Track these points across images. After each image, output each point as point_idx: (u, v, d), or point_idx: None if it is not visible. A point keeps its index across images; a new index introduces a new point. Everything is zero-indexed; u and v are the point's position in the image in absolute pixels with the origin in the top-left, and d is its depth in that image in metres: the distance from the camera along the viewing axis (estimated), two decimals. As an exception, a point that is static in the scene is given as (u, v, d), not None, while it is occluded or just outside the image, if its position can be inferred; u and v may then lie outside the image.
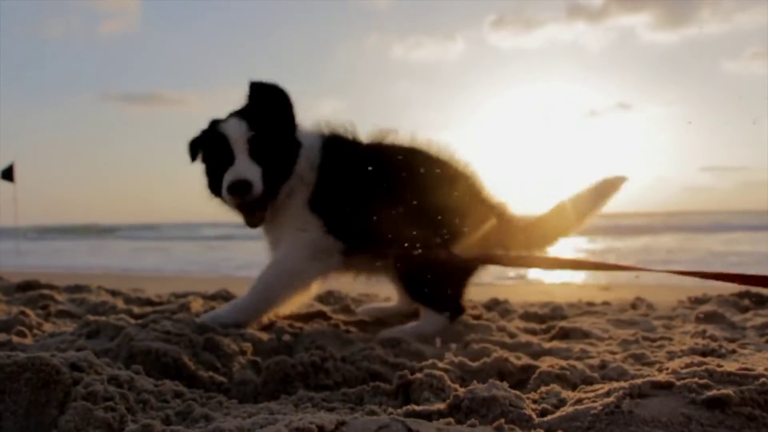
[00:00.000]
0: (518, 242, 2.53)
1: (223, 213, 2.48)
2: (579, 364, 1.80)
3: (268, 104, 2.39)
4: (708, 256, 9.55)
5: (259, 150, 2.29)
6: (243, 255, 12.72)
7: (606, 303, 3.67)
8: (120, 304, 3.12)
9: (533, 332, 2.60)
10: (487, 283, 3.62)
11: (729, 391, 1.27)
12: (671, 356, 1.92)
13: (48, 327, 2.49)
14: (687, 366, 1.56)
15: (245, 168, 2.26)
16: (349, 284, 2.79)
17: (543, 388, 1.54)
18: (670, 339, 2.32)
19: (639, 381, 1.35)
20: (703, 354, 1.90)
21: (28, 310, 2.59)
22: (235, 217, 2.44)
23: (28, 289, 3.56)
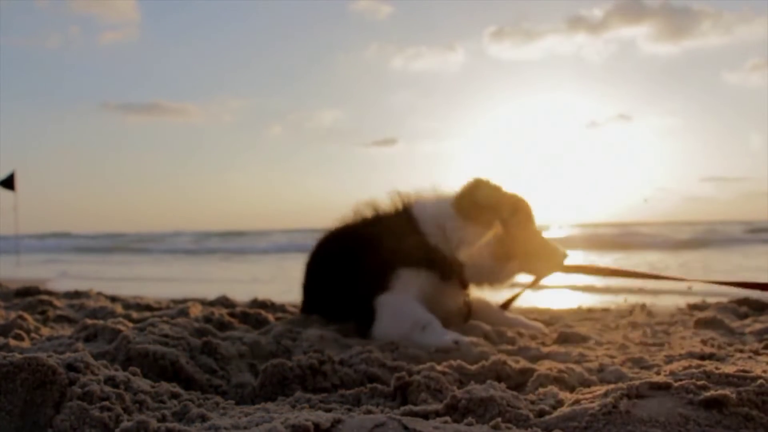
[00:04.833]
0: None
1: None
2: (577, 368, 1.79)
3: None
4: (712, 268, 9.53)
5: None
6: (241, 266, 12.74)
7: (606, 309, 3.67)
8: (119, 309, 3.11)
9: (532, 337, 2.60)
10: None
11: (726, 391, 1.26)
12: (670, 360, 1.91)
13: (46, 331, 2.48)
14: (685, 368, 1.56)
15: None
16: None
17: (541, 390, 1.53)
18: (669, 344, 2.32)
19: (636, 382, 1.35)
20: (702, 358, 1.89)
21: (26, 315, 2.58)
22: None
23: (27, 295, 3.56)
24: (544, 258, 2.80)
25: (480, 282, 2.76)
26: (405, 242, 2.65)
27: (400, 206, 2.86)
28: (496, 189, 2.76)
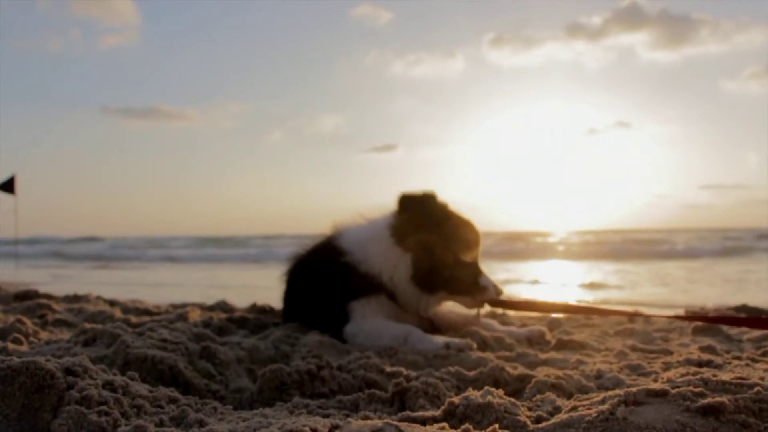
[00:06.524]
0: None
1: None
2: (575, 374, 1.79)
3: None
4: (708, 276, 9.51)
5: None
6: (240, 272, 12.74)
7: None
8: (118, 313, 3.12)
9: (530, 344, 2.60)
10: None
11: (724, 399, 1.26)
12: (667, 367, 1.91)
13: (45, 335, 2.48)
14: (682, 375, 1.56)
15: None
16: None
17: (538, 396, 1.53)
18: (667, 351, 2.32)
19: (634, 389, 1.35)
20: (699, 365, 1.90)
21: (24, 319, 2.58)
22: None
23: (26, 299, 3.55)
24: (471, 294, 2.62)
25: (410, 308, 2.63)
26: (340, 274, 2.61)
27: (329, 236, 2.83)
28: (438, 207, 2.65)
